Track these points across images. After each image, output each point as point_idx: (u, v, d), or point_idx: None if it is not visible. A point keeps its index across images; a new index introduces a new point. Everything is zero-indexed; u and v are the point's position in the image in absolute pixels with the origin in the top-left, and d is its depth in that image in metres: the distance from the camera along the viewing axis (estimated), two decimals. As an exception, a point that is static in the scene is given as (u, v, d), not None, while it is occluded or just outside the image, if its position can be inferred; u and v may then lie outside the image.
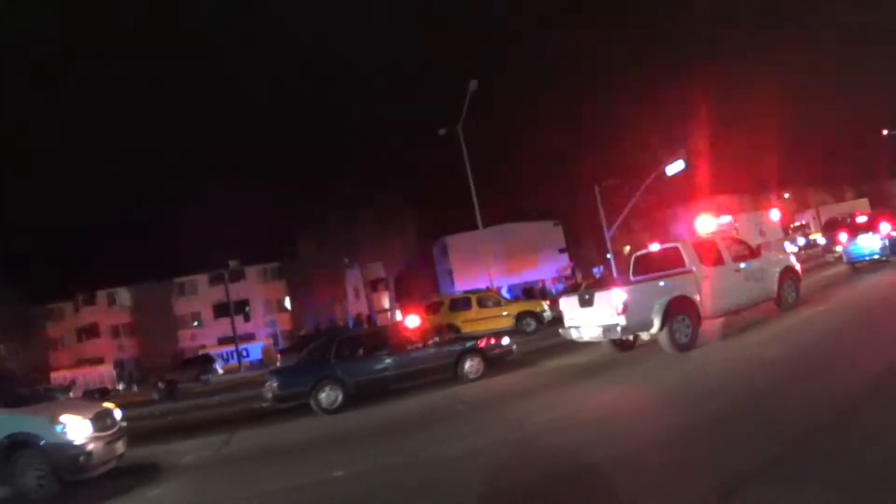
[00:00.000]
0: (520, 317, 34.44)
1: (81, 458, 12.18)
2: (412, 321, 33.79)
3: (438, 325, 32.59)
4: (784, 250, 39.58)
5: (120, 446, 13.38)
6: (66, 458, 12.00)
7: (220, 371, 57.22)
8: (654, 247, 19.43)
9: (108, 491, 12.11)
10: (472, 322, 33.81)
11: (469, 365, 19.14)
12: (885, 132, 62.77)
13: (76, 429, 12.27)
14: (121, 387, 62.27)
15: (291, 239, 69.70)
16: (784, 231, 67.92)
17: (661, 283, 16.42)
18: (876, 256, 26.12)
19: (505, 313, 34.96)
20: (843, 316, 15.97)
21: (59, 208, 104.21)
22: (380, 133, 79.55)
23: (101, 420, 13.01)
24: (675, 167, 45.14)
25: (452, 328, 32.70)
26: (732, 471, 6.80)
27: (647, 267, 18.70)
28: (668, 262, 17.60)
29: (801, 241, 59.07)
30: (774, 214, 53.96)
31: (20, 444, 11.90)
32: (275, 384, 19.00)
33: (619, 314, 15.56)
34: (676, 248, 17.68)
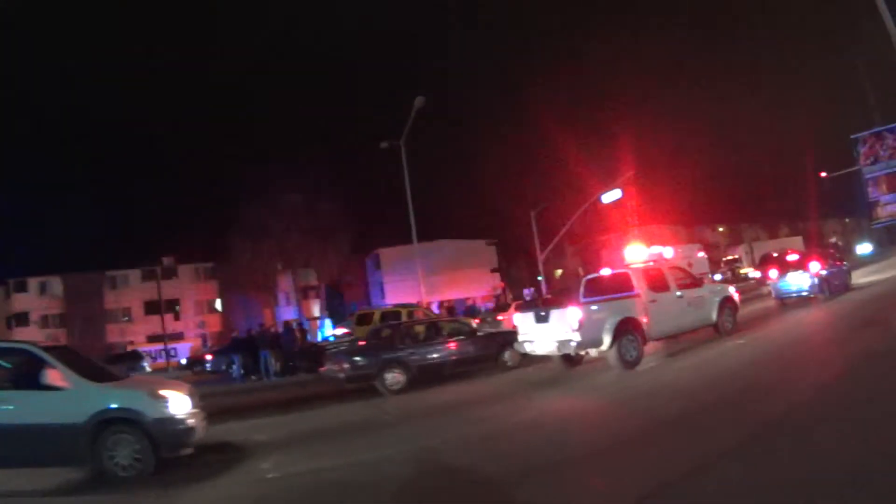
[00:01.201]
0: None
1: (185, 434, 12.37)
2: (341, 331, 35.38)
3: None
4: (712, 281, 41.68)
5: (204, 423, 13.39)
6: (170, 433, 12.06)
7: (148, 369, 57.90)
8: (606, 271, 21.51)
9: (209, 467, 12.42)
10: None
11: (508, 355, 21.92)
12: (822, 174, 65.72)
13: (178, 403, 12.40)
14: None
15: (226, 240, 70.08)
16: (715, 264, 70.84)
17: (613, 305, 18.31)
18: (804, 293, 27.88)
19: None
20: (771, 345, 18.07)
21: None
22: (321, 141, 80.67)
23: (194, 396, 13.13)
24: (611, 195, 47.40)
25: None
26: (656, 480, 7.92)
27: (597, 289, 20.48)
28: (618, 286, 19.48)
29: (718, 276, 61.16)
30: (701, 250, 56.54)
31: (117, 419, 11.85)
32: (346, 365, 21.06)
33: (574, 331, 17.47)
34: (627, 274, 19.65)
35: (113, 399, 12.16)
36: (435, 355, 21.51)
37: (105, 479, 11.56)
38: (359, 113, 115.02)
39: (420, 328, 23.57)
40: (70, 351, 14.83)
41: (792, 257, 32.64)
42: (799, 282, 28.31)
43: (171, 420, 12.15)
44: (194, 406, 12.85)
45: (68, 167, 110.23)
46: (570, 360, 19.55)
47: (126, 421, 11.82)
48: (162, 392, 12.56)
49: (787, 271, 29.59)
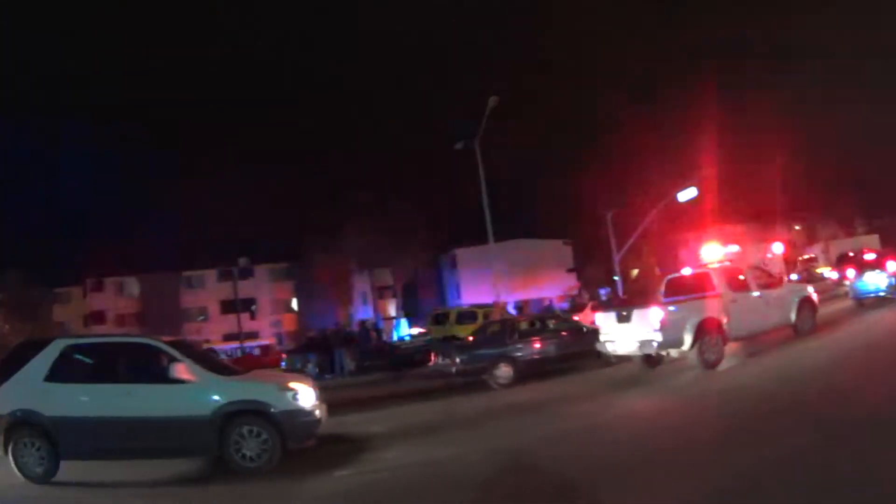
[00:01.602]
0: None
1: (311, 426, 12.84)
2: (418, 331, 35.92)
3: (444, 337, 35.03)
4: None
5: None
6: (298, 425, 12.47)
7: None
8: (686, 271, 22.01)
9: (333, 457, 12.96)
10: None
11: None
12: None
13: (306, 396, 12.78)
14: None
15: (302, 241, 70.73)
16: (792, 263, 70.20)
17: (694, 304, 18.73)
18: (882, 294, 27.42)
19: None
20: (849, 347, 18.21)
21: (75, 192, 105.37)
22: (397, 142, 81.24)
23: (316, 388, 13.53)
24: (687, 194, 47.23)
25: (457, 340, 34.66)
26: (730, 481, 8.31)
27: (677, 289, 20.76)
28: (698, 286, 19.86)
29: (794, 276, 60.60)
30: (778, 248, 55.93)
31: (246, 411, 12.28)
32: (458, 359, 22.25)
33: (655, 331, 18.01)
34: (707, 273, 20.18)
35: (241, 391, 12.78)
36: (540, 351, 22.37)
37: (230, 470, 12.07)
38: (435, 112, 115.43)
39: (526, 324, 24.63)
40: (190, 345, 15.84)
41: (869, 256, 32.28)
42: (876, 281, 27.90)
43: (299, 412, 12.61)
44: (317, 398, 13.26)
45: (144, 167, 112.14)
46: (650, 360, 19.94)
47: (254, 413, 12.31)
48: (290, 384, 13.05)
49: (865, 271, 29.20)
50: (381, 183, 62.51)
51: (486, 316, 37.38)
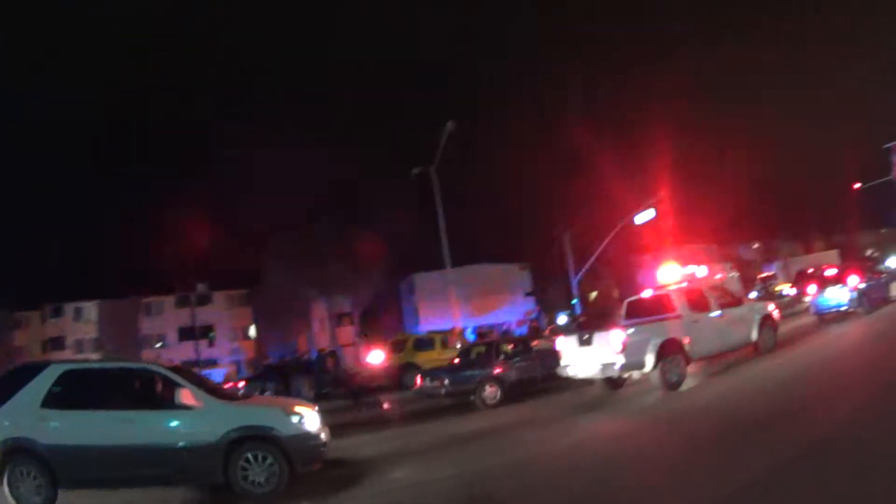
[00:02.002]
0: None
1: (318, 449, 12.88)
2: (376, 357, 36.12)
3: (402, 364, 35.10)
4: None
5: None
6: (305, 449, 12.50)
7: (182, 395, 58.09)
8: (647, 293, 22.10)
9: (337, 481, 12.91)
10: (435, 362, 34.52)
11: None
12: (856, 186, 65.84)
13: (311, 419, 12.91)
14: None
15: (260, 267, 70.66)
16: (751, 281, 70.90)
17: (655, 326, 18.81)
18: (843, 308, 28.19)
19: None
20: (809, 364, 18.32)
21: (32, 216, 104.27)
22: (355, 167, 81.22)
23: (319, 412, 13.61)
24: (644, 215, 47.65)
25: (415, 367, 34.29)
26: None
27: (638, 311, 20.98)
28: (659, 307, 20.02)
29: (753, 294, 61.56)
30: (730, 269, 56.68)
31: (253, 437, 12.22)
32: (447, 381, 22.46)
33: (617, 353, 17.99)
34: (668, 295, 20.29)
35: (247, 416, 12.74)
36: (528, 371, 22.68)
37: (233, 496, 12.06)
38: (392, 139, 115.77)
39: (509, 346, 24.94)
40: (190, 371, 15.40)
41: (830, 272, 32.82)
42: (837, 296, 28.58)
43: (306, 435, 12.68)
44: (321, 422, 13.34)
45: (103, 193, 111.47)
46: (613, 383, 20.04)
47: (261, 438, 12.29)
48: (295, 408, 13.16)
49: (826, 286, 29.77)
50: (338, 209, 62.18)
51: (443, 342, 37.93)
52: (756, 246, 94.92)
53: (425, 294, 77.45)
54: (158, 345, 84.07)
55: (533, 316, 74.14)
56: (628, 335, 18.24)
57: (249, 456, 12.05)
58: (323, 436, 13.10)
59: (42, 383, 12.32)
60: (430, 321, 68.18)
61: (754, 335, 20.93)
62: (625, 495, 9.43)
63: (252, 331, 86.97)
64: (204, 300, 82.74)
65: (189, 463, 12.05)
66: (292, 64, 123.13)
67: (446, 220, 42.97)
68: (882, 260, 62.23)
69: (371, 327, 73.25)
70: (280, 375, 37.71)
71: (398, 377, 35.48)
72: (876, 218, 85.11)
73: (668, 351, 18.29)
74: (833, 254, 79.28)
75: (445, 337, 39.06)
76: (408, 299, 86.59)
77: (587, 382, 20.77)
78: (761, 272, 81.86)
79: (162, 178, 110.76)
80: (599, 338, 18.93)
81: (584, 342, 19.40)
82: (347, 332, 76.35)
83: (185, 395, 12.35)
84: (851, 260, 56.60)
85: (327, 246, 62.51)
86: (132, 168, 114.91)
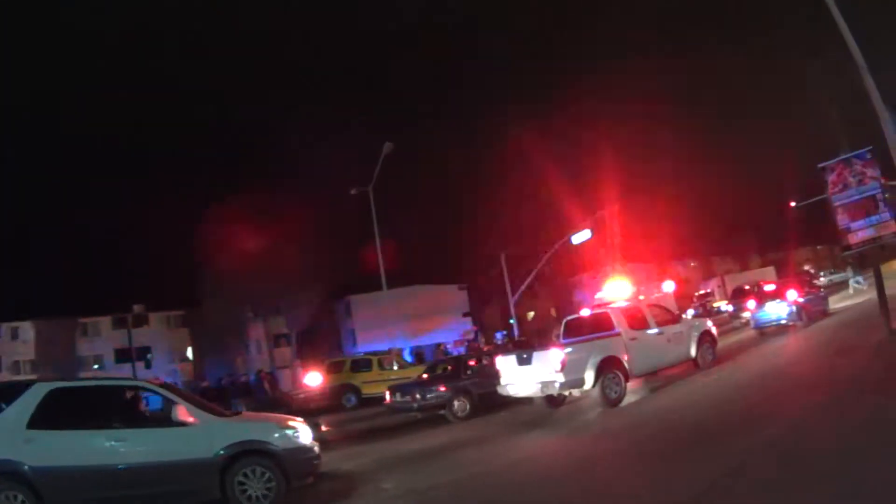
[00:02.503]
0: None
1: (312, 462, 13.00)
2: (313, 379, 36.05)
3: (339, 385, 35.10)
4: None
5: None
6: (301, 462, 12.65)
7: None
8: (585, 312, 22.35)
9: (329, 493, 13.31)
10: (373, 384, 35.43)
11: None
12: (792, 204, 67.00)
13: (304, 433, 13.00)
14: None
15: (197, 288, 69.68)
16: (688, 299, 71.73)
17: (594, 344, 19.03)
18: (783, 321, 29.15)
19: (405, 376, 36.98)
20: (746, 378, 18.61)
21: None
22: (291, 188, 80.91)
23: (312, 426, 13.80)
24: (581, 236, 48.11)
25: (353, 389, 35.14)
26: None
27: (577, 330, 21.37)
28: (598, 326, 20.32)
29: (690, 311, 62.57)
30: (668, 286, 57.25)
31: (249, 451, 12.20)
32: (419, 395, 22.77)
33: (557, 371, 18.10)
34: (607, 313, 20.50)
35: (243, 431, 12.72)
36: (491, 385, 22.40)
37: None
38: (329, 159, 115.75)
39: (474, 361, 25.30)
40: (178, 388, 15.30)
41: (769, 287, 33.67)
42: (777, 310, 29.55)
43: (301, 449, 12.80)
44: (314, 436, 13.45)
45: (38, 210, 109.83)
46: (553, 401, 20.04)
47: (258, 452, 12.28)
48: (290, 423, 13.29)
49: (765, 301, 30.88)
50: (275, 229, 61.97)
51: (380, 363, 37.87)
52: (693, 264, 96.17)
53: (362, 315, 77.34)
54: (96, 366, 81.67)
55: (471, 337, 74.41)
56: (567, 353, 18.39)
57: (247, 471, 12.07)
58: (316, 449, 13.21)
59: (27, 403, 11.83)
60: (367, 342, 68.11)
61: (693, 351, 21.33)
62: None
63: (189, 352, 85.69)
64: (141, 321, 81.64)
65: (186, 480, 11.96)
66: (219, 73, 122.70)
67: (384, 240, 43.16)
68: (821, 275, 63.60)
69: (308, 349, 72.96)
70: (217, 398, 37.40)
71: (339, 398, 35.71)
72: (812, 235, 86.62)
73: (608, 368, 18.49)
74: (769, 270, 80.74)
75: (382, 358, 38.89)
76: (345, 320, 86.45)
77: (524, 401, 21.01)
78: (698, 289, 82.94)
79: (98, 197, 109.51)
80: (539, 356, 19.09)
81: (524, 361, 19.50)
82: (285, 353, 75.99)
83: (182, 412, 12.26)
84: (790, 275, 57.61)
85: (262, 266, 62.29)
86: (69, 187, 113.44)
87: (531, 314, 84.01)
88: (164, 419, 12.38)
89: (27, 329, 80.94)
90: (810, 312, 29.85)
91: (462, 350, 60.03)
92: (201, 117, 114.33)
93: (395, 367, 37.89)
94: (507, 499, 10.89)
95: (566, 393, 19.20)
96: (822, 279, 56.80)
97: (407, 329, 64.35)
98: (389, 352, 41.66)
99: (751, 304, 33.40)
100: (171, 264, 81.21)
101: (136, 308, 79.14)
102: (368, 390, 34.93)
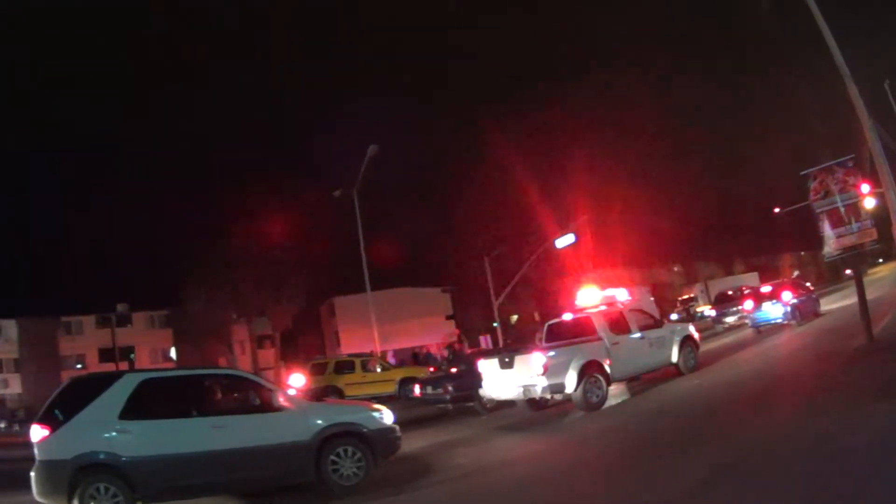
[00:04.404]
0: (403, 382, 36.36)
1: (397, 441, 13.71)
2: (297, 380, 36.15)
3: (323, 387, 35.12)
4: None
5: None
6: (387, 442, 13.46)
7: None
8: (567, 316, 22.46)
9: (413, 470, 14.01)
10: (356, 386, 35.91)
11: None
12: (776, 210, 67.37)
13: (388, 415, 13.75)
14: (2, 425, 60.14)
15: (181, 288, 69.65)
16: (671, 303, 72.03)
17: (577, 348, 19.11)
18: (779, 321, 30.98)
19: (388, 378, 37.59)
20: (727, 382, 18.76)
21: None
22: (276, 190, 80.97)
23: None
24: (564, 240, 48.02)
25: (336, 391, 34.71)
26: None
27: (559, 334, 21.54)
28: (580, 330, 20.47)
29: (674, 316, 63.20)
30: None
31: (342, 433, 12.94)
32: (450, 387, 23.40)
33: (539, 375, 18.26)
34: (589, 318, 20.67)
35: (338, 414, 13.59)
36: None
37: (324, 491, 12.69)
38: (314, 161, 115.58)
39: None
40: (262, 375, 15.78)
41: (765, 289, 34.75)
42: (772, 311, 31.37)
43: (388, 429, 13.58)
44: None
45: (22, 209, 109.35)
46: (535, 404, 20.28)
47: (350, 434, 13.04)
48: (377, 406, 14.17)
49: (762, 302, 32.41)
50: (261, 231, 61.93)
51: (363, 365, 38.23)
52: (677, 269, 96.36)
53: (346, 317, 77.27)
54: (79, 366, 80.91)
55: (454, 339, 74.35)
56: (549, 357, 18.54)
57: (338, 451, 12.75)
58: (398, 430, 13.85)
59: (118, 394, 12.06)
60: (351, 344, 68.04)
61: (675, 356, 21.50)
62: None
63: (173, 352, 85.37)
64: (124, 320, 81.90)
65: (283, 463, 12.58)
66: (201, 80, 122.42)
67: (368, 242, 43.29)
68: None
69: (292, 350, 72.90)
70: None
71: (321, 400, 35.43)
72: (796, 241, 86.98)
73: (590, 373, 18.62)
74: (753, 276, 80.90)
75: (366, 360, 39.27)
76: (329, 322, 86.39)
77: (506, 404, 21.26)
78: (681, 294, 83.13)
79: (79, 196, 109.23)
80: (521, 360, 19.22)
81: (506, 364, 19.65)
82: (269, 354, 75.92)
83: (281, 398, 13.03)
84: (783, 279, 58.10)
85: (247, 267, 62.30)
86: (53, 186, 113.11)
87: (514, 318, 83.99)
88: (260, 405, 13.01)
89: (11, 327, 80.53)
90: (804, 313, 31.51)
91: (444, 353, 60.08)
92: (188, 117, 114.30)
93: (379, 370, 38.33)
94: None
95: (548, 396, 19.41)
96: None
97: (391, 332, 64.36)
98: (372, 354, 41.92)
99: (748, 304, 34.63)
100: (154, 264, 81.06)
101: (120, 307, 79.16)
102: (351, 392, 34.82)
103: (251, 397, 13.32)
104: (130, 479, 11.47)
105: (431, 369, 38.06)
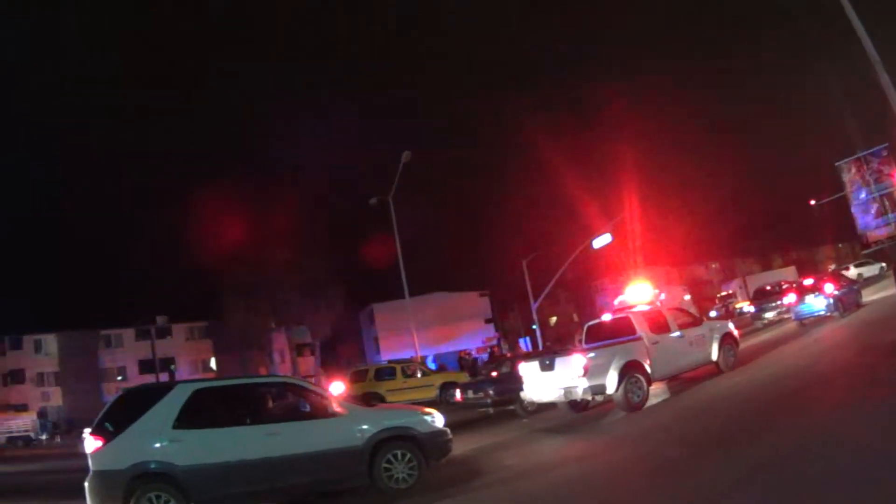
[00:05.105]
0: (444, 387, 36.28)
1: (448, 444, 14.02)
2: (337, 388, 36.32)
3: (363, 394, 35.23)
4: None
5: None
6: (439, 445, 13.74)
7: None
8: (606, 317, 22.50)
9: (463, 472, 14.26)
10: (397, 392, 36.06)
11: None
12: (812, 202, 66.89)
13: (439, 419, 14.04)
14: (44, 437, 60.15)
15: (219, 299, 70.36)
16: (710, 300, 71.75)
17: (616, 349, 19.14)
18: (822, 313, 31.02)
19: (429, 384, 37.56)
20: (768, 380, 18.39)
21: None
22: (311, 198, 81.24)
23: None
24: (601, 240, 48.09)
25: (377, 397, 34.53)
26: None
27: (598, 335, 21.57)
28: (620, 330, 20.48)
29: (713, 313, 63.13)
30: (686, 292, 57.34)
31: (395, 437, 13.19)
32: (492, 391, 24.12)
33: (580, 377, 18.33)
34: (628, 318, 20.63)
35: (391, 419, 13.74)
36: None
37: (376, 494, 12.99)
38: (351, 169, 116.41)
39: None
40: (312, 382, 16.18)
41: (808, 282, 34.69)
42: (816, 303, 31.46)
43: (439, 433, 13.88)
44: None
45: (64, 225, 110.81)
46: (576, 406, 20.42)
47: (403, 438, 13.29)
48: (428, 409, 14.33)
49: (805, 295, 32.44)
50: (298, 239, 62.36)
51: (404, 371, 38.23)
52: (715, 266, 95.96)
53: (385, 323, 77.63)
54: (119, 378, 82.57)
55: (494, 342, 74.37)
56: (590, 359, 18.55)
57: (391, 455, 13.05)
58: (449, 433, 14.12)
59: (171, 404, 12.33)
60: (390, 350, 68.34)
61: (715, 354, 21.43)
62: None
63: (213, 363, 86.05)
64: (164, 333, 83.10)
65: (338, 468, 12.78)
66: (234, 93, 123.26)
67: (405, 248, 43.46)
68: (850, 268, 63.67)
69: (332, 358, 73.25)
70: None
71: (372, 405, 35.57)
72: (833, 233, 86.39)
73: (630, 373, 18.62)
74: (791, 270, 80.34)
75: (406, 366, 39.34)
76: (368, 329, 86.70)
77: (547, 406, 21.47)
78: (720, 291, 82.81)
79: (118, 209, 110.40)
80: (561, 362, 19.25)
81: (546, 367, 19.70)
82: (309, 362, 76.27)
83: (335, 404, 13.36)
84: (820, 273, 57.68)
85: (285, 276, 62.66)
86: (89, 202, 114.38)
87: (553, 319, 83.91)
88: (313, 411, 13.43)
89: (51, 341, 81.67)
90: (846, 304, 31.35)
91: (485, 357, 60.08)
92: (225, 128, 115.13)
93: (419, 375, 38.37)
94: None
95: (589, 398, 19.43)
96: (852, 271, 56.61)
97: (430, 336, 64.42)
98: (412, 359, 42.28)
99: (791, 297, 34.51)
100: (192, 275, 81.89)
101: (159, 319, 79.95)
102: (392, 398, 34.83)
103: (303, 404, 13.69)
104: (185, 488, 11.69)
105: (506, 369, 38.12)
